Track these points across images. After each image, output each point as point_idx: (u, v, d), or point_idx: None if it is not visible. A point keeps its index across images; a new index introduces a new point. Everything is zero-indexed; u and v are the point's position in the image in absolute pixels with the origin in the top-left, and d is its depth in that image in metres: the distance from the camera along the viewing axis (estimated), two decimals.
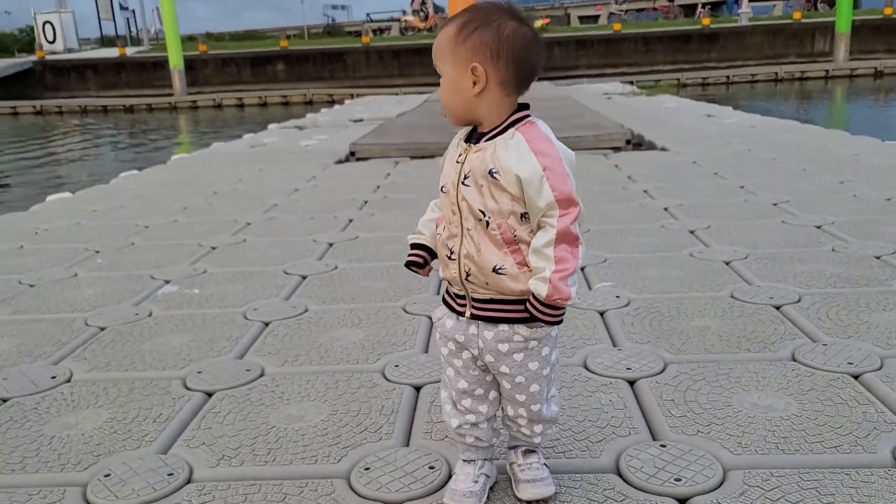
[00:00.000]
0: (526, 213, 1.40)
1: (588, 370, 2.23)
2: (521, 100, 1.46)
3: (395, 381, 2.23)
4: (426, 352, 2.45)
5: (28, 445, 1.94)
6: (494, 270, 1.42)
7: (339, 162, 7.13)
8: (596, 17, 46.25)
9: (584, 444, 1.81)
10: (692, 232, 3.79)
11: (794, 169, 5.48)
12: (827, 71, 22.72)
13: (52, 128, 19.75)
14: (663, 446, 1.77)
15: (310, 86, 25.97)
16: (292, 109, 19.94)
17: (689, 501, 1.57)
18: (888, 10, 29.27)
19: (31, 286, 3.39)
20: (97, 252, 3.96)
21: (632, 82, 19.33)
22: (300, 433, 1.94)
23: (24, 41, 38.97)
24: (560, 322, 1.45)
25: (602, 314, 2.71)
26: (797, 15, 29.57)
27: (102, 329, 2.79)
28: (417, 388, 2.18)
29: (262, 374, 2.32)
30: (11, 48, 37.66)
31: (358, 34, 32.85)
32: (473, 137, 1.45)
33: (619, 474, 1.68)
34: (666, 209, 4.34)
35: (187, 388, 2.25)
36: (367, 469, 1.74)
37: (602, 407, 1.99)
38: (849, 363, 2.18)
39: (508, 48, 1.38)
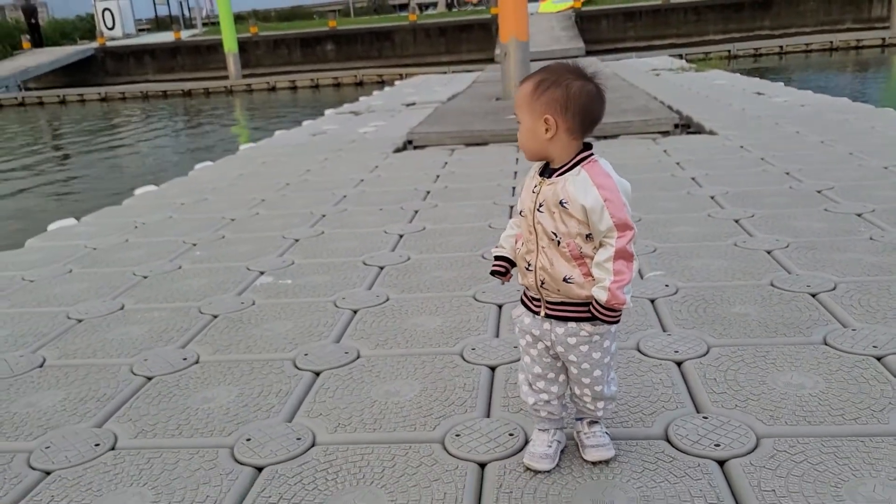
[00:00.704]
0: (590, 234, 1.74)
1: (641, 353, 2.58)
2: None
3: (473, 362, 2.61)
4: (497, 336, 2.82)
5: (179, 415, 2.39)
6: (565, 280, 1.77)
7: (398, 150, 7.52)
8: None
9: (637, 416, 2.16)
10: (737, 221, 4.06)
11: (842, 153, 5.65)
12: (884, 39, 22.12)
13: (119, 114, 20.63)
14: (705, 418, 2.12)
15: (358, 65, 26.42)
16: (343, 91, 20.43)
17: (726, 463, 1.92)
18: None
19: (145, 277, 3.87)
20: (194, 245, 4.43)
21: (681, 56, 19.21)
22: (399, 406, 2.34)
23: (85, 28, 40.24)
24: (618, 322, 1.80)
25: (653, 302, 3.03)
26: None
27: (215, 317, 3.23)
28: (493, 369, 2.55)
29: (358, 357, 2.73)
30: (73, 35, 38.96)
31: (404, 7, 33.01)
32: (546, 172, 1.80)
33: (668, 440, 2.04)
34: (713, 197, 4.61)
35: (298, 368, 2.67)
36: (457, 435, 2.13)
37: (653, 385, 2.33)
38: (874, 346, 2.47)
39: (574, 103, 1.72)
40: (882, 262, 3.26)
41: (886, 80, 15.53)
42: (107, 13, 35.73)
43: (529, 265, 1.82)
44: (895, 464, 1.85)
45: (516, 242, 1.89)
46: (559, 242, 1.76)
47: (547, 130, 1.73)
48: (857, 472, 1.83)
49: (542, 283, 1.80)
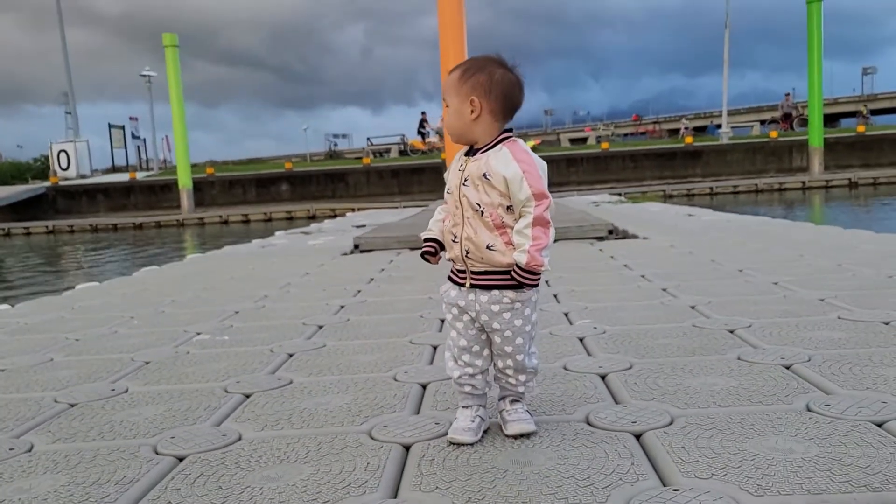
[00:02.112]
0: (510, 205, 1.90)
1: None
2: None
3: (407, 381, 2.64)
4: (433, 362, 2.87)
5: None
6: (488, 247, 1.91)
7: (345, 254, 7.69)
8: (584, 139, 48.66)
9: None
10: (664, 290, 4.27)
11: (758, 247, 6.03)
12: (804, 182, 23.93)
13: (64, 243, 20.51)
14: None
15: (313, 204, 27.07)
16: (296, 223, 20.77)
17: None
18: (861, 128, 31.07)
19: (77, 340, 3.82)
20: (132, 318, 4.41)
21: (620, 194, 20.35)
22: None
23: (38, 169, 40.66)
24: (537, 285, 1.93)
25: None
26: (773, 134, 31.28)
27: (147, 363, 3.21)
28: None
29: (290, 382, 2.74)
30: (26, 176, 39.26)
31: (359, 158, 34.55)
32: (471, 153, 1.98)
33: (588, 422, 2.09)
34: (643, 276, 4.84)
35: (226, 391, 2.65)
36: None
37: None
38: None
39: (497, 88, 1.93)
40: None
41: (807, 212, 16.68)
42: (62, 154, 36.22)
43: (455, 237, 1.96)
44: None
45: (444, 221, 2.02)
46: (482, 213, 1.90)
47: (472, 112, 1.93)
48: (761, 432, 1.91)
49: (468, 252, 1.93)
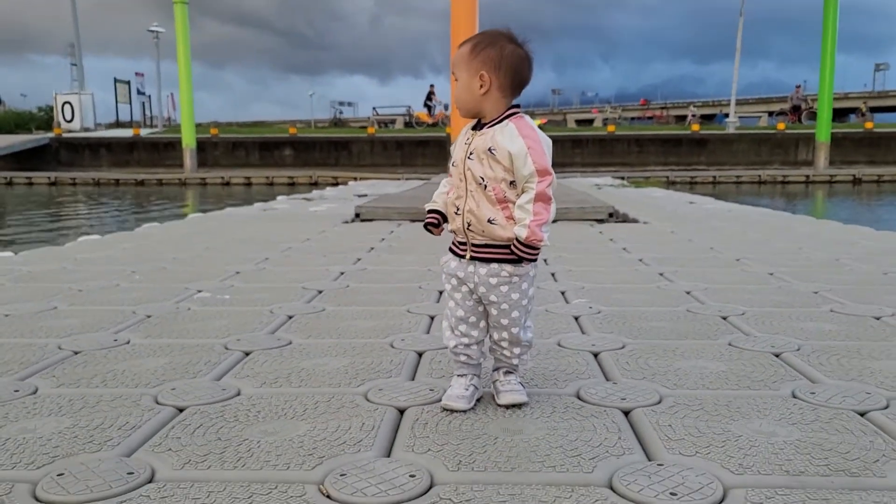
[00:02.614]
0: (514, 181, 1.93)
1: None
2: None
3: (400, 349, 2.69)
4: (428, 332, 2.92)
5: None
6: (489, 221, 1.94)
7: (346, 222, 7.73)
8: (591, 121, 48.46)
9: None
10: (661, 274, 4.32)
11: (758, 238, 6.07)
12: (807, 176, 23.92)
13: (66, 195, 20.52)
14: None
15: (316, 171, 27.03)
16: (298, 189, 20.79)
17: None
18: (868, 125, 30.97)
19: (80, 291, 3.87)
20: (133, 272, 4.46)
21: (623, 178, 20.33)
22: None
23: (42, 119, 40.46)
24: (535, 260, 1.97)
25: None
26: (781, 126, 31.17)
27: (149, 317, 3.26)
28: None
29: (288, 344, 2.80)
30: (29, 126, 39.08)
31: (364, 128, 34.45)
32: (478, 127, 2.01)
33: (579, 397, 2.15)
34: (640, 259, 4.89)
35: (225, 349, 2.71)
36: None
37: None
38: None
39: (506, 63, 1.96)
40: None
41: (809, 206, 16.69)
42: (66, 106, 36.07)
43: (458, 210, 1.99)
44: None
45: (449, 194, 2.06)
46: (486, 187, 1.94)
47: (481, 86, 1.95)
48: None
49: (469, 225, 1.97)
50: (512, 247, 1.94)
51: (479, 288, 1.99)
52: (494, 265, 1.97)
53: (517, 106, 2.01)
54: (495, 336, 2.05)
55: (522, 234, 1.91)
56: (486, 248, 1.98)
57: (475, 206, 1.96)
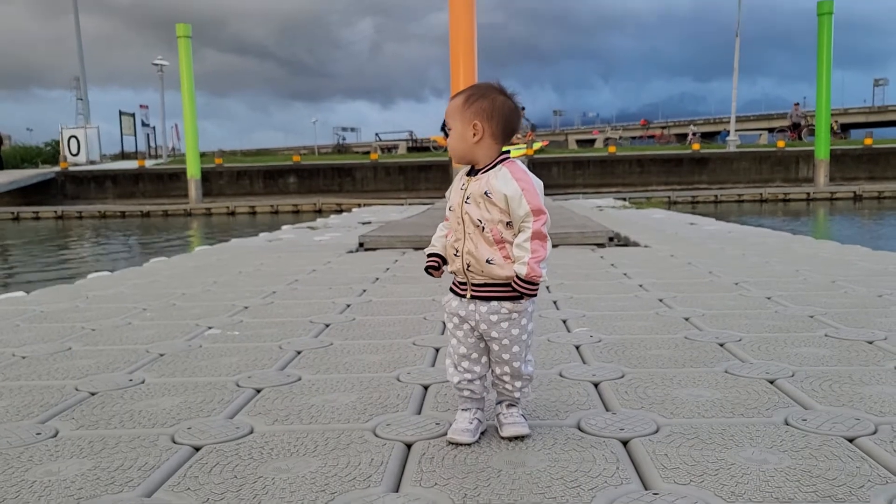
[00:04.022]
0: (510, 221, 2.05)
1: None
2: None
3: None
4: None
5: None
6: (487, 261, 2.05)
7: (351, 252, 7.84)
8: (592, 141, 48.79)
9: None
10: (661, 300, 4.41)
11: (756, 262, 6.15)
12: (808, 193, 24.04)
13: (72, 228, 20.72)
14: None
15: (320, 198, 27.24)
16: (303, 217, 20.98)
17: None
18: (868, 141, 31.12)
19: (94, 330, 3.98)
20: (144, 309, 4.56)
21: (624, 199, 20.47)
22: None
23: (48, 154, 40.89)
24: (535, 295, 2.07)
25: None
26: (781, 144, 31.34)
27: (162, 355, 3.36)
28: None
29: (299, 379, 2.88)
30: (36, 160, 39.50)
31: (367, 153, 34.75)
32: (472, 173, 2.12)
33: (580, 428, 2.23)
34: (640, 285, 4.98)
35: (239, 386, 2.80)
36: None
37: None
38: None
39: (498, 113, 2.08)
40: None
41: (810, 224, 16.77)
42: (72, 140, 36.48)
43: (457, 251, 2.10)
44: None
45: (447, 237, 2.17)
46: (483, 228, 2.05)
47: (475, 135, 2.07)
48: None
49: (468, 266, 2.07)
50: (513, 283, 2.04)
51: (481, 325, 2.09)
52: (494, 303, 2.07)
53: (507, 152, 2.13)
54: (497, 370, 2.15)
55: (523, 271, 2.01)
56: (486, 286, 2.08)
57: (474, 248, 2.06)
